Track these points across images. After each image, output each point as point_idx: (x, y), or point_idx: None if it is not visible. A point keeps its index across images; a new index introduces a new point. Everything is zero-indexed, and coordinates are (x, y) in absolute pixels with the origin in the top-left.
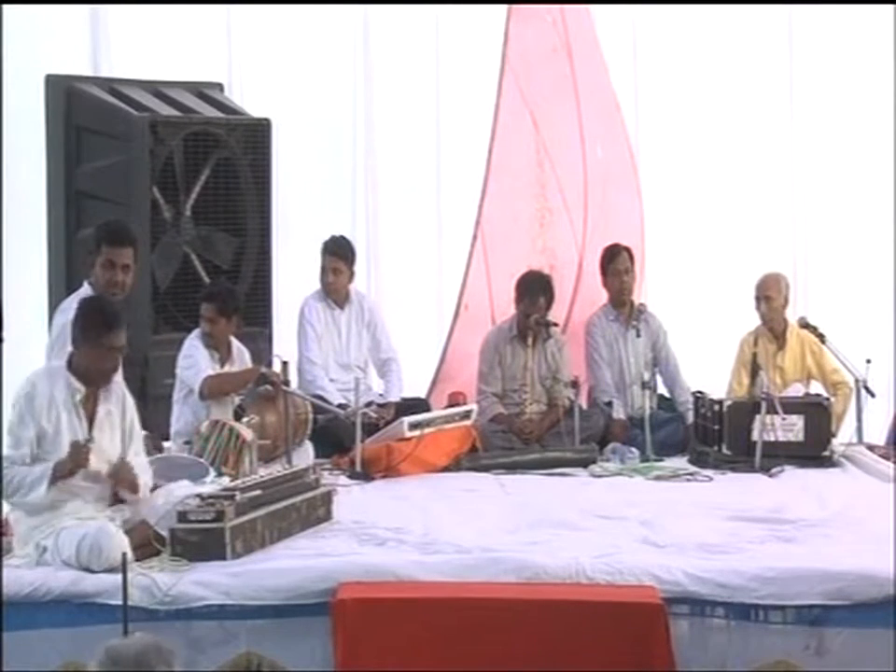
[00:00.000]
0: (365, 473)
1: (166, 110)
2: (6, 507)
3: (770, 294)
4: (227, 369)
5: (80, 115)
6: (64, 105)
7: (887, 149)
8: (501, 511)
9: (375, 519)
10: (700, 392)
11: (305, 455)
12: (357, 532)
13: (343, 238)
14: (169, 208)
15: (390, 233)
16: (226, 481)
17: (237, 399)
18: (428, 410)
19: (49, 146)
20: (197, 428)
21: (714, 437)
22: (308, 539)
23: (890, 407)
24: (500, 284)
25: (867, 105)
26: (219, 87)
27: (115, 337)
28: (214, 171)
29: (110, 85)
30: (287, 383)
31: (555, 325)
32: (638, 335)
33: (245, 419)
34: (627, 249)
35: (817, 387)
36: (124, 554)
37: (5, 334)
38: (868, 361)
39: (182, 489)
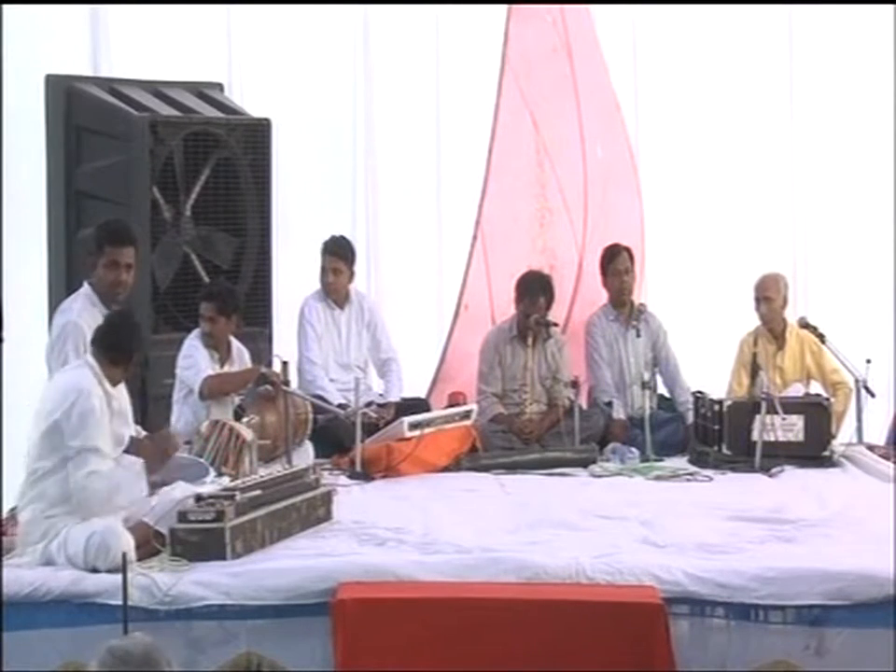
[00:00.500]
0: (365, 473)
1: (166, 110)
2: (6, 505)
3: (770, 295)
4: (227, 369)
5: (80, 115)
6: (64, 104)
7: (887, 149)
8: (501, 511)
9: (375, 519)
10: (700, 392)
11: (305, 454)
12: (357, 532)
13: (342, 238)
14: (169, 208)
15: (390, 233)
16: (226, 481)
17: (237, 399)
18: (428, 410)
19: (49, 146)
20: (197, 428)
21: (714, 437)
22: (308, 538)
23: (890, 407)
24: (500, 284)
25: (867, 105)
26: (219, 87)
27: (139, 350)
28: (214, 171)
29: (110, 85)
30: (286, 383)
31: (555, 325)
32: (638, 335)
33: (244, 419)
34: (627, 249)
35: (816, 387)
36: (124, 554)
37: (5, 334)
38: (868, 361)
39: (178, 490)
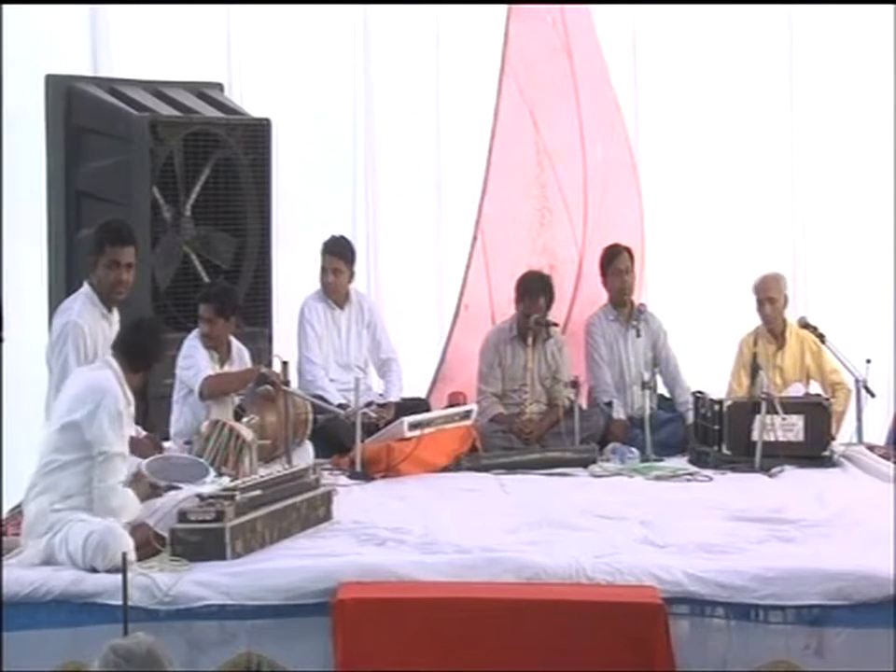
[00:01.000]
0: (365, 473)
1: (166, 110)
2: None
3: (773, 295)
4: (226, 369)
5: (80, 115)
6: (64, 104)
7: (887, 149)
8: (501, 510)
9: (375, 519)
10: (700, 392)
11: (305, 454)
12: (356, 532)
13: (342, 238)
14: (169, 208)
15: (390, 233)
16: (226, 481)
17: (237, 399)
18: (428, 410)
19: (49, 146)
20: (197, 428)
21: (714, 437)
22: (308, 539)
23: (890, 407)
24: (500, 284)
25: (867, 105)
26: (219, 87)
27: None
28: (214, 171)
29: (110, 85)
30: (287, 383)
31: (555, 325)
32: (638, 335)
33: (244, 419)
34: (627, 249)
35: (816, 387)
36: (124, 554)
37: (5, 334)
38: (868, 361)
39: (182, 494)
